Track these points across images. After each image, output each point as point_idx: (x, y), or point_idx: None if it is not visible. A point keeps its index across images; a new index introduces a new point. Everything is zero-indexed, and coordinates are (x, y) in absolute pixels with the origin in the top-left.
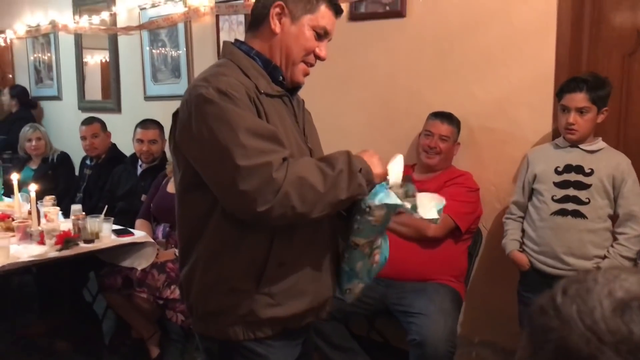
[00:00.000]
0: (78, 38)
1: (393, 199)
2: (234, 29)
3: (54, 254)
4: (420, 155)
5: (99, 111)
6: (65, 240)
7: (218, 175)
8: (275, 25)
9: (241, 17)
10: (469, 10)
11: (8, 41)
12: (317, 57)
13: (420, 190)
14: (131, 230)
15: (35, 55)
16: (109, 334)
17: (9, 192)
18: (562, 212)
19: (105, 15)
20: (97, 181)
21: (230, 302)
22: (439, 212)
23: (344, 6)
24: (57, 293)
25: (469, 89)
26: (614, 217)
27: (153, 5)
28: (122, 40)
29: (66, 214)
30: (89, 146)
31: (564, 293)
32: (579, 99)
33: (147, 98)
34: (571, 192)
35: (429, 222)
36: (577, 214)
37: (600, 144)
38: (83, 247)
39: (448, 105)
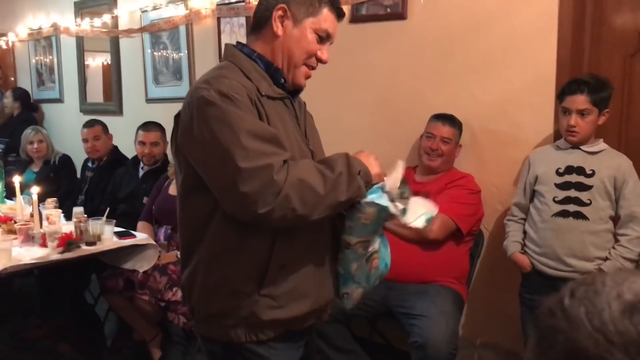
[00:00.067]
0: (80, 41)
1: (383, 201)
2: (236, 32)
3: (55, 256)
4: (421, 158)
5: (100, 114)
6: (67, 242)
7: (219, 177)
8: (278, 27)
9: (242, 20)
10: (470, 12)
11: (10, 44)
12: (319, 60)
13: (421, 193)
14: (133, 232)
15: (37, 58)
16: (111, 336)
17: (11, 195)
18: (564, 214)
19: (106, 17)
20: (99, 184)
21: (232, 304)
22: (427, 221)
23: (346, 8)
24: (59, 295)
25: (470, 91)
26: (615, 219)
27: (154, 8)
28: (123, 42)
29: (68, 217)
30: (91, 149)
31: (572, 295)
32: (580, 101)
33: (149, 100)
34: (572, 193)
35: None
36: (578, 216)
37: (601, 145)
38: (85, 249)
39: (449, 107)
